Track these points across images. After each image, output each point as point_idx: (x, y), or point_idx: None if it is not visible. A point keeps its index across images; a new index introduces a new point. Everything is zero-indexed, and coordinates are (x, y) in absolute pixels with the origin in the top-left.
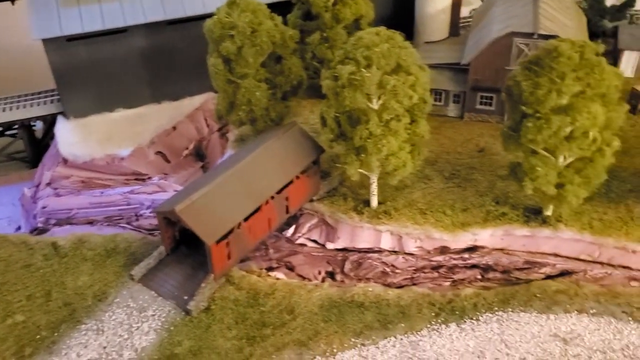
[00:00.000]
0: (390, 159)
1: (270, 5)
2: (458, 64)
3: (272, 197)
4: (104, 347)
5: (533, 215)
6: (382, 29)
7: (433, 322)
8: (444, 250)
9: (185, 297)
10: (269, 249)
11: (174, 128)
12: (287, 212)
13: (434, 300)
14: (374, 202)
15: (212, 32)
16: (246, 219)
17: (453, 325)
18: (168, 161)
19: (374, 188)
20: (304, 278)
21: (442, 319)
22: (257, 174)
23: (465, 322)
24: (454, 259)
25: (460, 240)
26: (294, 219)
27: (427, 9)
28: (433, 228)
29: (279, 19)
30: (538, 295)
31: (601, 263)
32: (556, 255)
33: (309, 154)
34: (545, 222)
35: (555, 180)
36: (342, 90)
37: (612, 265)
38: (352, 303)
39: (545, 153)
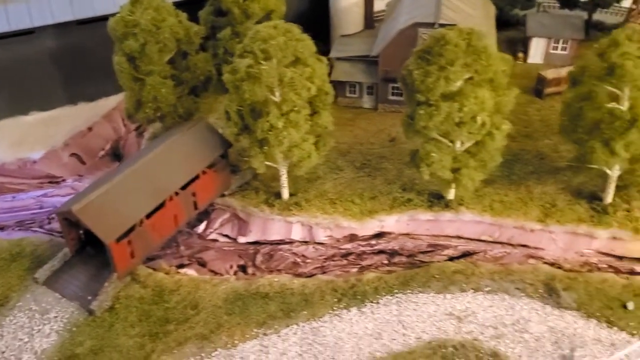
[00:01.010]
0: (293, 150)
1: (181, 3)
2: (369, 56)
3: (177, 194)
4: (2, 352)
5: (437, 200)
6: (280, 22)
7: (335, 308)
8: (352, 238)
9: (89, 297)
10: (180, 245)
11: (90, 129)
12: (196, 208)
13: (337, 286)
14: (285, 194)
15: (116, 30)
16: (149, 217)
17: (354, 310)
18: (83, 163)
19: (284, 180)
20: (216, 273)
21: (344, 304)
22: (159, 170)
23: (366, 305)
24: (362, 245)
25: (368, 227)
26: (205, 215)
27: (340, 3)
28: (342, 217)
29: (183, 15)
30: (436, 276)
31: (501, 243)
32: (459, 237)
33: (215, 148)
34: (447, 206)
35: (451, 165)
36: (241, 83)
37: (512, 245)
38: (257, 294)
39: (442, 138)
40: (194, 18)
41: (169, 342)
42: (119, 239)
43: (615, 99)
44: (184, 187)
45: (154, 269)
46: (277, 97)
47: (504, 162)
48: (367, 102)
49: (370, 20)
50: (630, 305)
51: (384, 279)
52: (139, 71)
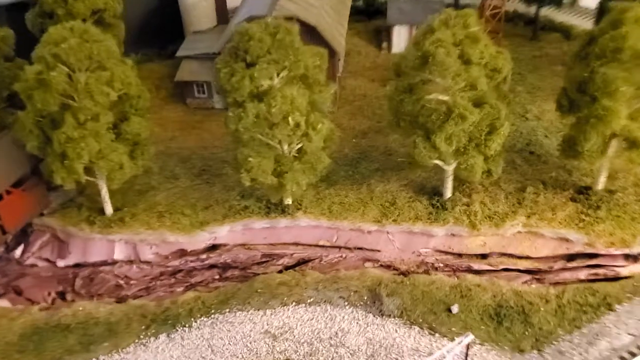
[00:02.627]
0: (99, 163)
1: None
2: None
3: None
4: None
5: (275, 206)
6: (77, 23)
7: (142, 336)
8: (182, 253)
9: None
10: None
11: None
12: (4, 232)
13: (148, 311)
14: (108, 209)
15: None
16: None
17: (162, 336)
18: None
19: (105, 194)
20: (32, 302)
21: (153, 330)
22: None
23: (177, 331)
24: (192, 261)
25: (198, 240)
26: (23, 237)
27: None
28: (168, 231)
29: None
30: (259, 290)
31: (339, 247)
32: (297, 244)
33: (21, 165)
34: (284, 211)
35: (273, 169)
36: (32, 92)
37: (349, 248)
38: (57, 327)
39: (270, 141)
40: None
41: None
42: None
43: (432, 90)
44: None
45: None
46: (76, 104)
47: (351, 160)
48: (218, 102)
49: (224, 14)
50: (455, 309)
51: (202, 298)
52: None
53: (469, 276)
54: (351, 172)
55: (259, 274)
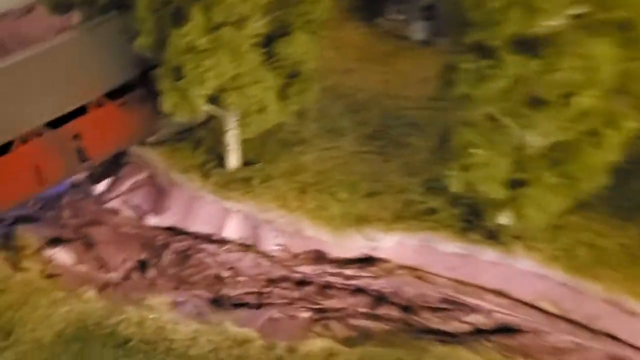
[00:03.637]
0: (231, 95)
1: None
2: None
3: (39, 134)
4: None
5: (479, 221)
6: None
7: None
8: (319, 257)
9: None
10: (64, 209)
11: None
12: (85, 159)
13: (248, 353)
14: (233, 160)
15: None
16: None
17: None
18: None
19: (231, 139)
20: (102, 266)
21: None
22: (6, 89)
23: None
24: (332, 274)
25: (348, 245)
26: (113, 169)
27: None
28: (308, 219)
29: None
30: None
31: (574, 323)
32: (502, 295)
33: (123, 68)
34: (493, 236)
35: (509, 174)
36: None
37: (592, 331)
38: (111, 337)
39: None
40: None
41: None
42: None
43: None
44: (55, 124)
45: (9, 247)
46: None
47: (615, 170)
48: (418, 31)
49: None
50: None
51: (335, 353)
52: None
53: None
54: (615, 191)
55: (429, 329)
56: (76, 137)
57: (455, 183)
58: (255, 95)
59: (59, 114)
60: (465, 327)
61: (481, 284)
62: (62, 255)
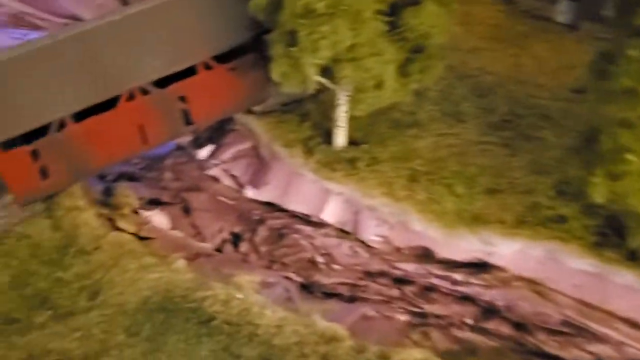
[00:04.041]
0: (345, 67)
1: None
2: None
3: (145, 92)
4: None
5: (616, 236)
6: None
7: None
8: (425, 255)
9: None
10: (166, 171)
11: None
12: (189, 122)
13: (335, 351)
14: (340, 138)
15: None
16: (81, 118)
17: None
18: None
19: (340, 114)
20: (197, 234)
21: None
22: (117, 44)
23: None
24: (438, 276)
25: (460, 246)
26: (217, 136)
27: None
28: (417, 211)
29: None
30: None
31: None
32: (636, 326)
33: (235, 31)
34: (635, 257)
35: None
36: None
37: None
38: (195, 313)
39: None
40: None
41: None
42: (8, 145)
43: None
44: (162, 84)
45: (107, 204)
46: None
47: None
48: (563, 12)
49: None
50: None
51: None
52: None
53: None
54: None
55: (547, 355)
56: (182, 99)
57: (598, 192)
58: (372, 69)
59: (167, 72)
60: (587, 357)
61: (612, 310)
62: (158, 218)
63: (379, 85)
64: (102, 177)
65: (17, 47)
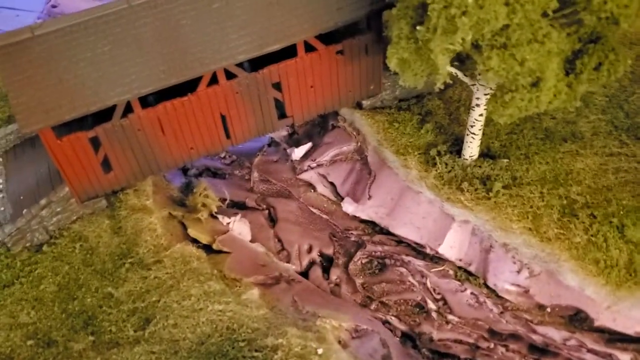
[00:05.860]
0: (491, 54)
1: None
2: None
3: (232, 75)
4: None
5: None
6: None
7: None
8: (577, 320)
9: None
10: (255, 170)
11: None
12: (284, 114)
13: None
14: (472, 148)
15: None
16: (149, 103)
17: None
18: None
19: (477, 118)
20: (280, 250)
21: None
22: (197, 15)
23: None
24: (592, 351)
25: (630, 315)
26: (317, 133)
27: None
28: (573, 259)
29: None
30: None
31: None
32: None
33: (351, 3)
34: None
35: None
36: None
37: None
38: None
39: None
40: None
41: None
42: (68, 132)
43: None
44: (253, 66)
45: (183, 204)
46: None
47: None
48: None
49: None
50: None
51: None
52: None
53: None
54: None
55: None
56: (276, 86)
57: None
58: (528, 61)
59: (258, 53)
60: None
61: None
62: (238, 226)
63: (535, 84)
64: (185, 171)
65: (82, 13)
